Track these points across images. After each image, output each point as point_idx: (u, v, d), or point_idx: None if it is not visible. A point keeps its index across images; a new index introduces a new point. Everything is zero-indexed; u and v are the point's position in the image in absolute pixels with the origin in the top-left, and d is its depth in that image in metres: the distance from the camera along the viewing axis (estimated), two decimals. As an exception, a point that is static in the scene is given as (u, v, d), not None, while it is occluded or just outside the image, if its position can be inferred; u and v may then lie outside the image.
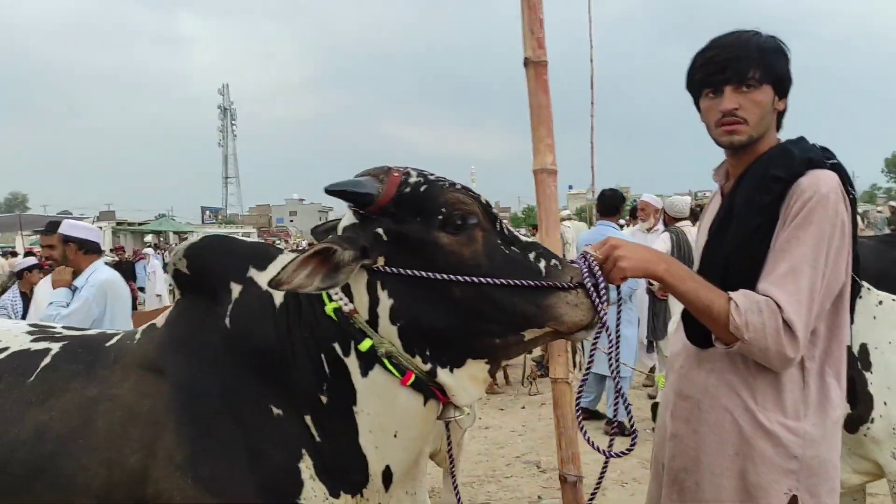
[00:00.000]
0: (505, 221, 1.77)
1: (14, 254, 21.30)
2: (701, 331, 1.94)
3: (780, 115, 2.01)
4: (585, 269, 1.70)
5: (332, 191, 1.66)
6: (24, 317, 6.57)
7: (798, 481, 1.89)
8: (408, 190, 1.69)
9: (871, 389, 3.01)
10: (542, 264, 1.70)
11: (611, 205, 6.52)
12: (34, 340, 2.02)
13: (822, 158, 1.90)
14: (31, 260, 7.67)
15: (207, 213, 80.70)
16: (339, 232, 1.77)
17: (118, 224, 41.38)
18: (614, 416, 3.30)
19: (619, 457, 1.88)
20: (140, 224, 42.93)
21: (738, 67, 1.89)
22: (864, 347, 3.05)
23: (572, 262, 1.74)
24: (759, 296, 1.80)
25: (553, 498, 4.99)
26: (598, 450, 1.92)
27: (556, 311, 1.67)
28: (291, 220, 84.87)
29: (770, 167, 1.89)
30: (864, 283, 3.14)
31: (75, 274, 4.35)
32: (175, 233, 37.26)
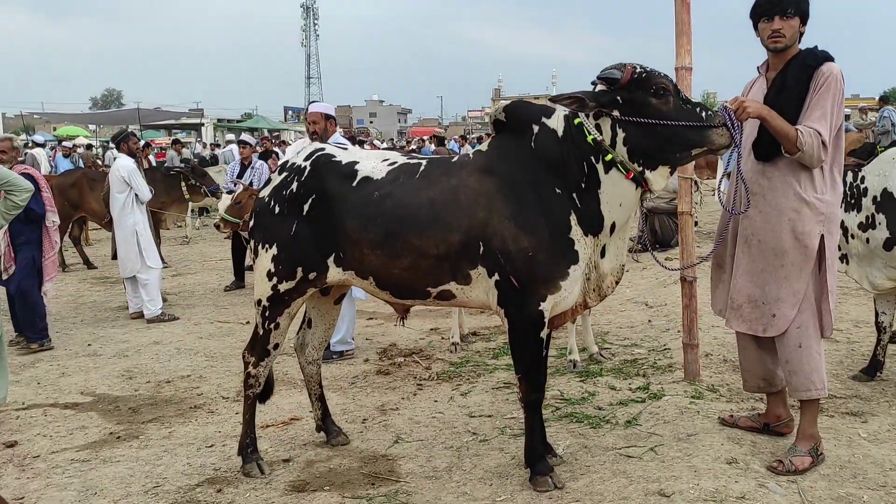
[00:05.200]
0: (682, 91, 3.29)
1: (147, 145, 23.21)
2: (764, 151, 3.53)
3: (801, 34, 3.57)
4: (726, 116, 3.21)
5: (599, 76, 3.21)
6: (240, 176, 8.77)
7: (824, 226, 3.49)
8: (636, 76, 3.20)
9: (904, 221, 4.43)
10: (704, 114, 3.21)
11: None
12: (409, 159, 3.68)
13: (830, 56, 3.46)
14: (249, 139, 9.85)
15: (290, 112, 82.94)
16: (591, 95, 3.28)
17: (218, 121, 43.96)
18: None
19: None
20: (238, 121, 45.47)
21: (782, 4, 3.46)
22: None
23: (717, 111, 3.25)
24: (808, 128, 3.35)
25: (661, 320, 6.63)
26: (659, 264, 3.75)
27: (711, 139, 3.20)
28: (371, 122, 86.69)
29: (806, 60, 3.47)
30: None
31: (323, 138, 6.06)
32: (269, 130, 39.55)
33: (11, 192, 4.75)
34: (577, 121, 3.32)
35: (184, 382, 5.54)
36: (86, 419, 4.83)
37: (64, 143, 16.85)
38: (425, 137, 18.65)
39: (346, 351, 6.04)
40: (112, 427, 4.66)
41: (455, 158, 3.63)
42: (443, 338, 6.47)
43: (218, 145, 26.96)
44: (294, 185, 3.69)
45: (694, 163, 4.12)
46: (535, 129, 3.40)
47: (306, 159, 3.75)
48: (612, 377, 5.11)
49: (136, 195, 7.59)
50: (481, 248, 3.37)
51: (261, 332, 3.83)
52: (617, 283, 3.53)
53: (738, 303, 3.68)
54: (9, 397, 5.17)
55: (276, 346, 3.86)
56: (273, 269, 3.71)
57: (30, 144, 17.41)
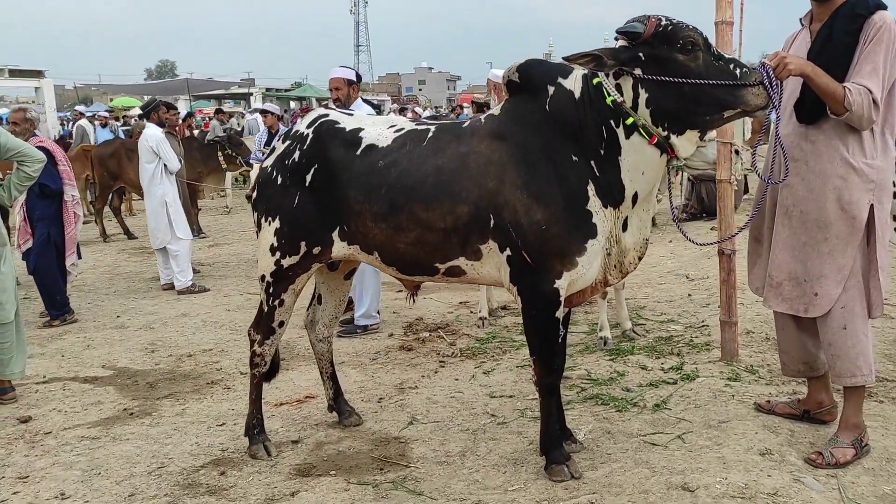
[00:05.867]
0: (714, 46, 2.95)
1: (190, 115, 23.19)
2: (808, 112, 3.16)
3: None
4: (764, 73, 2.87)
5: (619, 31, 2.90)
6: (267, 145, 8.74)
7: (873, 195, 3.12)
8: (661, 29, 2.88)
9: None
10: (738, 71, 2.87)
11: None
12: (417, 125, 3.43)
13: (883, 4, 3.05)
14: (272, 107, 9.73)
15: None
16: (609, 52, 2.96)
17: (267, 90, 44.13)
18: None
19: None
20: (286, 90, 45.53)
21: None
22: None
23: (755, 68, 2.91)
24: (858, 85, 2.97)
25: (701, 294, 6.28)
26: (689, 239, 3.35)
27: (745, 99, 2.86)
28: (420, 89, 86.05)
29: (855, 8, 3.06)
30: None
31: (346, 105, 5.86)
32: (317, 99, 39.47)
33: (24, 163, 4.66)
34: (595, 81, 3.02)
35: (205, 356, 5.45)
36: (102, 394, 4.77)
37: (100, 113, 16.92)
38: (464, 104, 18.27)
39: (371, 325, 5.87)
40: (127, 403, 4.58)
41: (466, 123, 3.36)
42: (471, 312, 6.25)
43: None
44: (296, 154, 3.49)
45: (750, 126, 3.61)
46: (551, 90, 3.11)
47: (308, 126, 3.53)
48: (645, 356, 4.83)
49: (165, 165, 7.50)
50: (492, 221, 3.12)
51: (265, 310, 3.66)
52: (640, 258, 3.24)
53: (778, 280, 3.36)
54: (33, 370, 5.20)
55: (282, 323, 3.69)
56: (276, 244, 3.52)
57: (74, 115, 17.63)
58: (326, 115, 3.56)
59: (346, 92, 5.79)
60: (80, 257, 6.67)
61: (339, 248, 3.46)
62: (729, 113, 2.92)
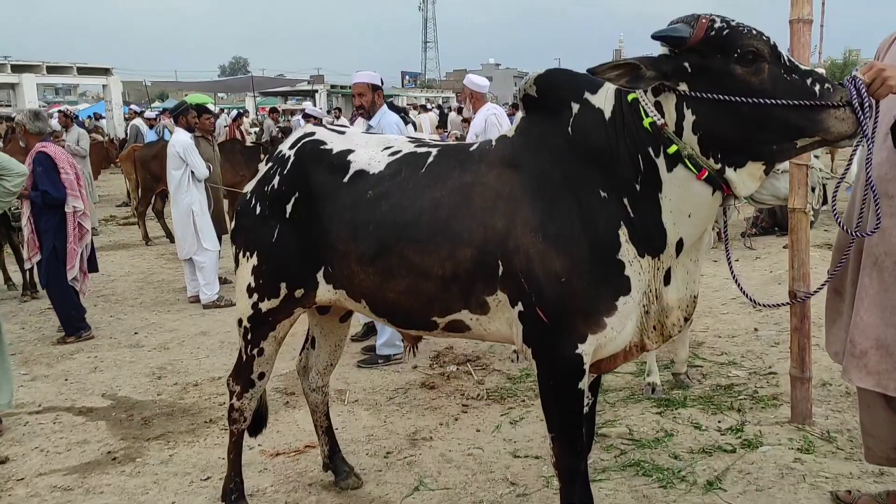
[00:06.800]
0: (786, 55, 2.28)
1: (241, 115, 22.98)
2: None
3: None
4: (853, 91, 2.18)
5: (655, 35, 2.26)
6: None
7: None
8: (713, 33, 2.23)
9: None
10: (817, 88, 2.19)
11: None
12: (417, 146, 2.85)
13: None
14: (315, 111, 9.24)
15: (407, 77, 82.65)
16: (648, 61, 2.33)
17: (332, 87, 44.23)
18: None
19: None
20: (351, 88, 45.58)
21: None
22: None
23: (842, 84, 2.23)
24: None
25: (769, 330, 5.52)
26: (751, 301, 2.79)
27: (826, 124, 2.18)
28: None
29: None
30: None
31: (370, 113, 5.34)
32: (384, 96, 39.17)
33: (3, 178, 4.29)
34: (631, 97, 2.39)
35: (210, 387, 5.01)
36: (92, 430, 4.36)
37: (146, 115, 16.86)
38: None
39: (394, 355, 5.33)
40: (114, 444, 4.15)
41: (474, 146, 2.76)
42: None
43: (329, 112, 26.89)
44: (276, 180, 2.96)
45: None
46: (575, 108, 2.49)
47: (291, 147, 3.00)
48: (699, 409, 4.14)
49: (193, 172, 7.12)
50: (500, 269, 2.52)
51: (244, 359, 3.15)
52: (686, 320, 2.59)
53: (862, 348, 2.66)
54: (31, 396, 4.85)
55: (262, 375, 3.17)
56: (253, 284, 3.01)
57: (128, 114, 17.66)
58: (312, 134, 3.01)
59: (370, 98, 5.27)
60: (96, 270, 6.32)
61: (325, 292, 2.92)
62: (804, 142, 2.24)
